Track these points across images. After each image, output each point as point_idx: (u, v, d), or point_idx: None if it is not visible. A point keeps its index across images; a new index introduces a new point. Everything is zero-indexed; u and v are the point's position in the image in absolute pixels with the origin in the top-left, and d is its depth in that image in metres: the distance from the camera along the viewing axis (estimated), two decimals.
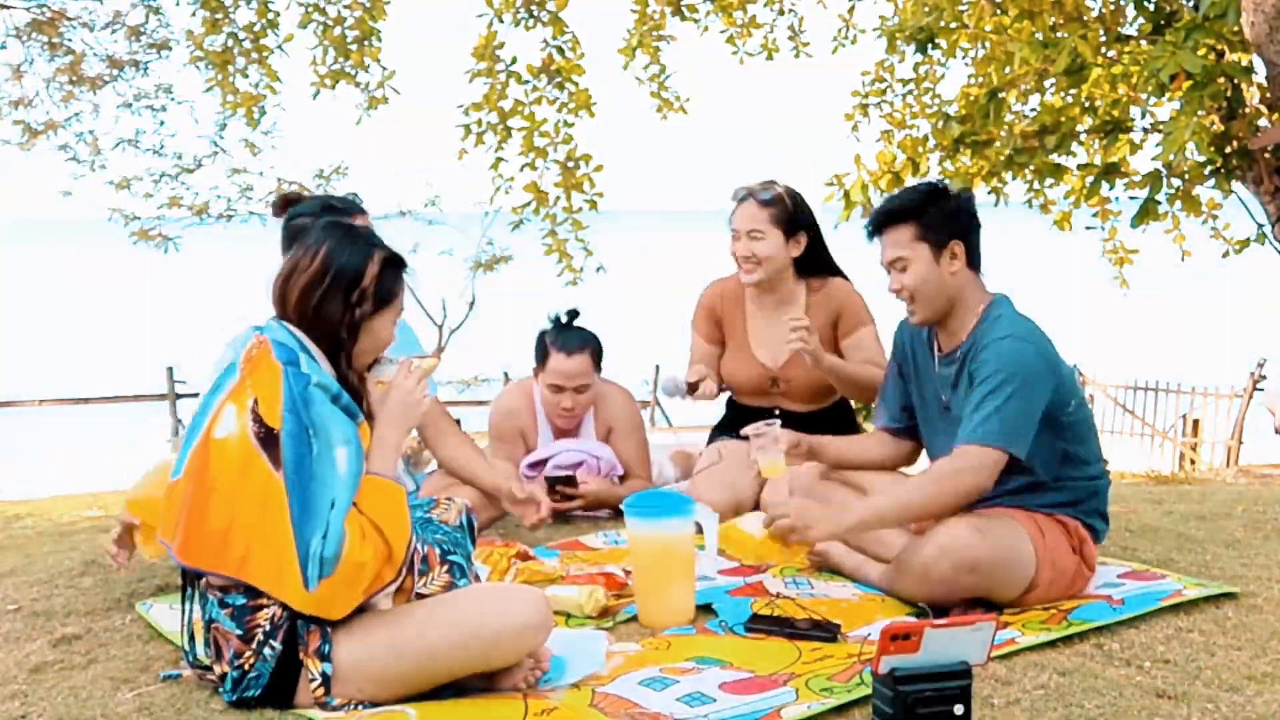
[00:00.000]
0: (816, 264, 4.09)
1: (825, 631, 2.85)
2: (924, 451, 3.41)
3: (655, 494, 3.16)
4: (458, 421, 3.91)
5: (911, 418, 3.36)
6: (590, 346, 4.20)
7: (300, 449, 2.36)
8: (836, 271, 4.12)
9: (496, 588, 2.63)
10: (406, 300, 2.69)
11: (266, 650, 2.39)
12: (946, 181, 3.20)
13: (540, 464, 4.26)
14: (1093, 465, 3.10)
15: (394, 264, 2.58)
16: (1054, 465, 3.04)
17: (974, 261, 3.12)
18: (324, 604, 2.35)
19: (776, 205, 4.00)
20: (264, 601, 2.39)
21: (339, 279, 2.50)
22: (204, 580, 2.48)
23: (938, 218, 3.06)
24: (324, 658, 2.39)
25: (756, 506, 3.90)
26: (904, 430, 3.39)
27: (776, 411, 4.06)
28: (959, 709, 2.07)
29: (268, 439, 2.38)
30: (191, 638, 2.55)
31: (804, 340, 3.73)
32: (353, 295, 2.51)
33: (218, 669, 2.46)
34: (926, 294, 3.08)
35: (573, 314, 4.31)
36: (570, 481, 4.14)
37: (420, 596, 2.61)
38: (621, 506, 3.14)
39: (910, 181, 8.30)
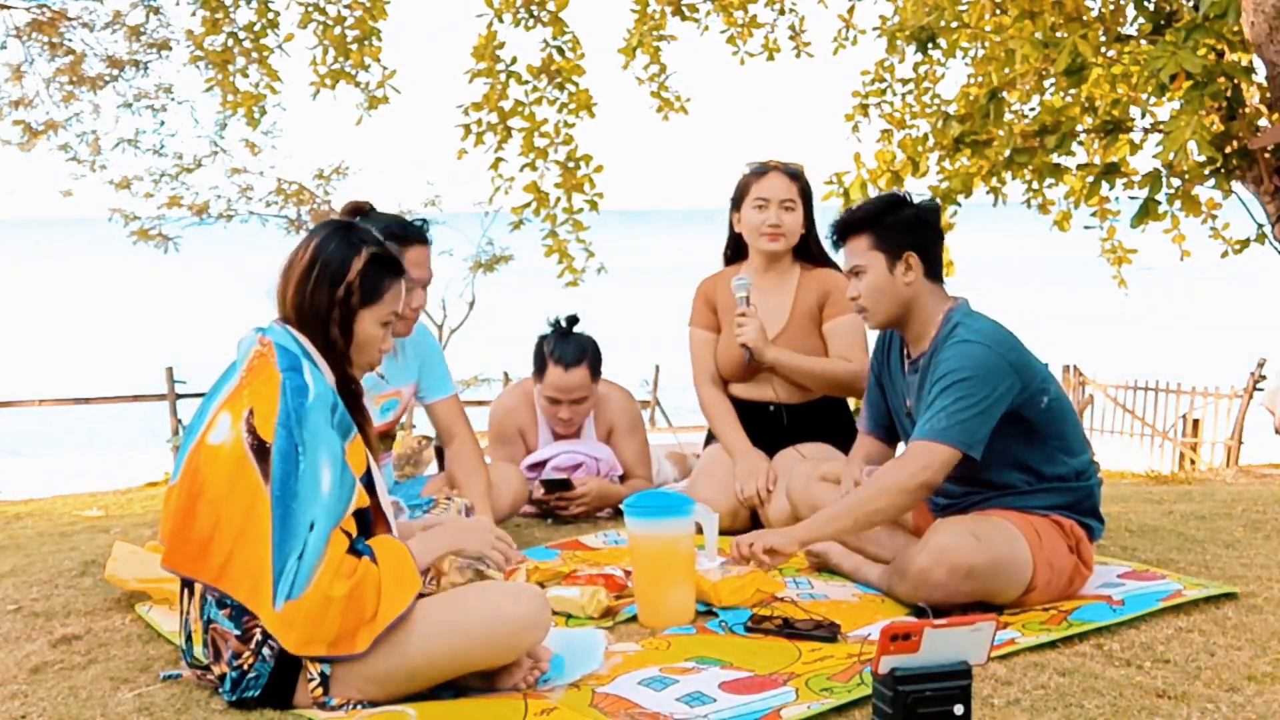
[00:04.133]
0: (811, 248, 4.11)
1: (825, 631, 2.85)
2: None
3: (655, 494, 3.16)
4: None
5: (890, 420, 3.39)
6: (588, 358, 4.19)
7: (288, 466, 2.35)
8: (830, 262, 4.14)
9: (493, 586, 2.63)
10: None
11: (265, 650, 2.39)
12: (906, 193, 3.28)
13: (540, 465, 4.26)
14: (1078, 458, 3.10)
15: (383, 262, 2.57)
16: (1044, 461, 3.05)
17: (933, 272, 3.16)
18: (284, 628, 2.33)
19: (801, 180, 4.05)
20: None
21: (324, 270, 2.51)
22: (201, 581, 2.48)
23: (894, 228, 3.12)
24: (323, 658, 2.39)
25: (756, 510, 3.89)
26: (886, 433, 3.43)
27: (771, 408, 4.05)
28: (959, 709, 2.07)
29: (260, 451, 2.37)
30: (189, 638, 2.55)
31: (742, 324, 3.82)
32: (338, 288, 2.50)
33: (216, 669, 2.46)
34: (878, 301, 3.14)
35: (572, 320, 4.30)
36: (566, 485, 4.14)
37: (420, 597, 2.61)
38: (621, 506, 3.13)
39: (910, 181, 8.32)
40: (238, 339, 2.60)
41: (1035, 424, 3.02)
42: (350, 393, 2.57)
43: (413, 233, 3.56)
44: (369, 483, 2.52)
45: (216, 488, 2.40)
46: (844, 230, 3.19)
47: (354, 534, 2.41)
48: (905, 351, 3.27)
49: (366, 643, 2.35)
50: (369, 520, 2.50)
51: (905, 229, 3.13)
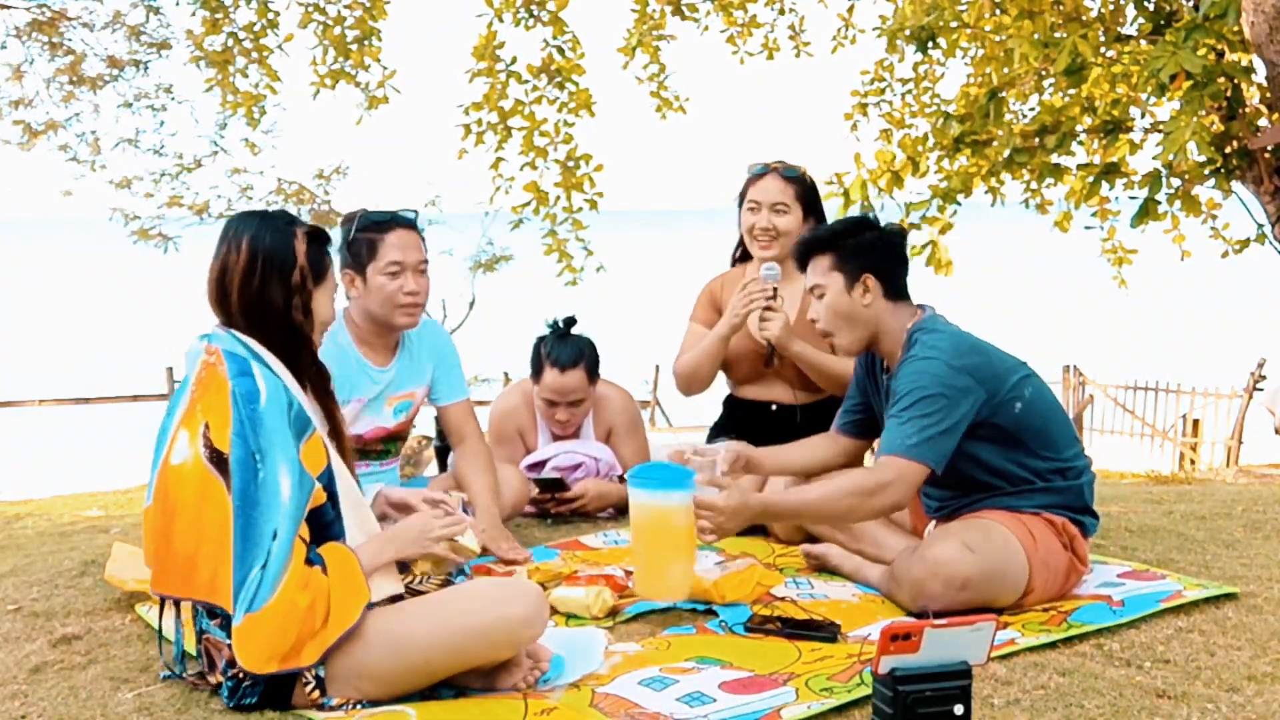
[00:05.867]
0: None
1: (825, 631, 2.85)
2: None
3: (658, 466, 3.14)
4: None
5: (862, 419, 3.43)
6: (585, 360, 4.19)
7: (246, 475, 2.32)
8: None
9: (491, 583, 2.61)
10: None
11: None
12: (874, 215, 3.34)
13: (539, 465, 4.26)
14: (1064, 455, 3.09)
15: (317, 237, 2.55)
16: (1027, 462, 3.05)
17: (893, 292, 3.16)
18: (243, 642, 2.29)
19: (800, 183, 4.00)
20: None
21: (270, 264, 2.46)
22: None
23: (854, 250, 3.15)
24: (318, 662, 2.37)
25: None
26: (853, 430, 3.46)
27: (774, 408, 4.05)
28: (959, 709, 2.07)
29: (220, 462, 2.34)
30: (179, 648, 2.55)
31: (768, 318, 3.76)
32: (292, 276, 2.47)
33: (212, 679, 2.45)
34: (837, 324, 3.17)
35: (570, 321, 4.30)
36: (560, 485, 4.14)
37: (416, 594, 2.61)
38: (625, 484, 3.10)
39: (910, 181, 8.33)
40: (185, 351, 2.53)
41: (1010, 429, 3.03)
42: (318, 377, 2.54)
43: (390, 217, 3.56)
44: (329, 480, 2.47)
45: (188, 507, 2.37)
46: (807, 250, 3.23)
47: (308, 540, 2.37)
48: (884, 365, 3.29)
49: (314, 656, 2.32)
50: (327, 520, 2.44)
51: (865, 250, 3.16)
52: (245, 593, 2.27)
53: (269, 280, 2.46)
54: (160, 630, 2.55)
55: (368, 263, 3.51)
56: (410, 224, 3.58)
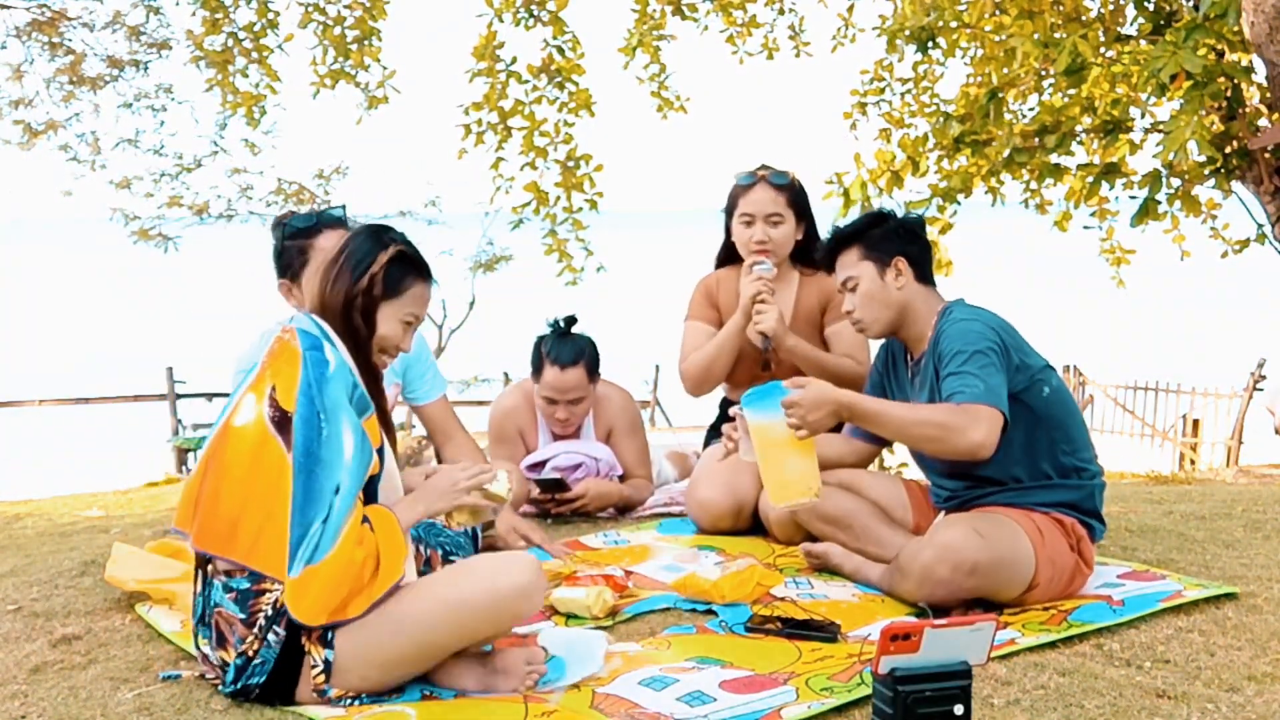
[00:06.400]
0: (811, 252, 4.07)
1: (825, 631, 2.85)
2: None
3: (763, 388, 3.11)
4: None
5: None
6: (585, 359, 4.18)
7: (310, 432, 2.40)
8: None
9: (488, 557, 2.66)
10: None
11: (270, 636, 2.40)
12: (890, 209, 3.41)
13: (540, 465, 4.25)
14: (1081, 455, 3.12)
15: (409, 261, 2.64)
16: (1046, 455, 3.07)
17: (923, 276, 3.24)
18: (298, 594, 2.34)
19: (791, 189, 3.97)
20: (268, 586, 2.40)
21: (349, 260, 2.59)
22: (211, 565, 2.50)
23: (880, 237, 3.23)
24: (327, 644, 2.40)
25: (756, 508, 3.89)
26: (866, 434, 3.43)
27: None
28: (959, 709, 2.07)
29: (282, 422, 2.42)
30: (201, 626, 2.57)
31: (762, 310, 3.74)
32: (360, 277, 2.57)
33: (221, 656, 2.47)
34: (872, 309, 3.22)
35: (570, 321, 4.30)
36: (561, 485, 4.14)
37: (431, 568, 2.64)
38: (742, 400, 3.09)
39: (910, 181, 8.34)
40: (261, 332, 2.64)
41: (1037, 413, 3.05)
42: (371, 373, 2.62)
43: (317, 219, 3.43)
44: (381, 457, 2.55)
45: (241, 466, 2.44)
46: (833, 249, 3.30)
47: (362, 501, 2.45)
48: (908, 357, 3.30)
49: (361, 609, 2.38)
50: (374, 491, 2.53)
51: (892, 236, 3.23)
52: (306, 546, 2.34)
53: (341, 276, 2.58)
54: (202, 601, 2.57)
55: (300, 270, 3.37)
56: (338, 222, 3.43)
